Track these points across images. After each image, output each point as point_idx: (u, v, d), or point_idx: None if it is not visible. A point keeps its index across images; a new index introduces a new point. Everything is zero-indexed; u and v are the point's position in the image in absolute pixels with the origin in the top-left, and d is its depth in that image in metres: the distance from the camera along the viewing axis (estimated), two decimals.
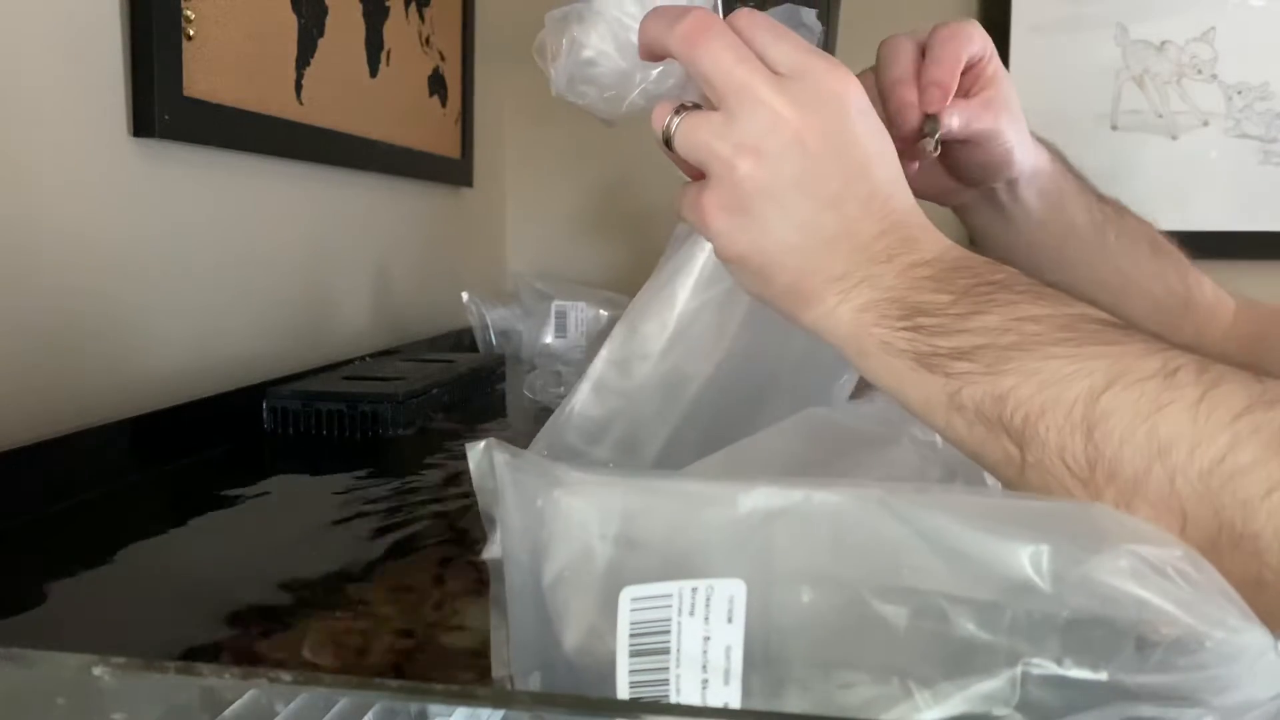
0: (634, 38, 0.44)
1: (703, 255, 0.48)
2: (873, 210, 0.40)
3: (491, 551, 0.49)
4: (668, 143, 0.43)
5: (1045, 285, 0.37)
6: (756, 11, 0.42)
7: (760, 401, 0.52)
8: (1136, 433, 0.31)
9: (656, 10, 0.43)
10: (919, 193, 0.63)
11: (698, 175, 0.43)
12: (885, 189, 0.41)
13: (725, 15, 0.43)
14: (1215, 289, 0.66)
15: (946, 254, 0.40)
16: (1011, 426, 0.34)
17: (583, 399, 0.49)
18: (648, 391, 0.49)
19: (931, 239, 0.41)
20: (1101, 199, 0.63)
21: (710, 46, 0.41)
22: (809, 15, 0.52)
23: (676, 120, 0.42)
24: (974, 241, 0.65)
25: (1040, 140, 0.61)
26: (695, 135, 0.41)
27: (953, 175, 0.60)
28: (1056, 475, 0.33)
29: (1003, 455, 0.35)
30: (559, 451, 0.48)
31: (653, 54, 0.44)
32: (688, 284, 0.49)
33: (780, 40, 0.41)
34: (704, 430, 0.50)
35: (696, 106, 0.42)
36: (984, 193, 0.61)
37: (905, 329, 0.38)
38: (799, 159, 0.40)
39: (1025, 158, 0.59)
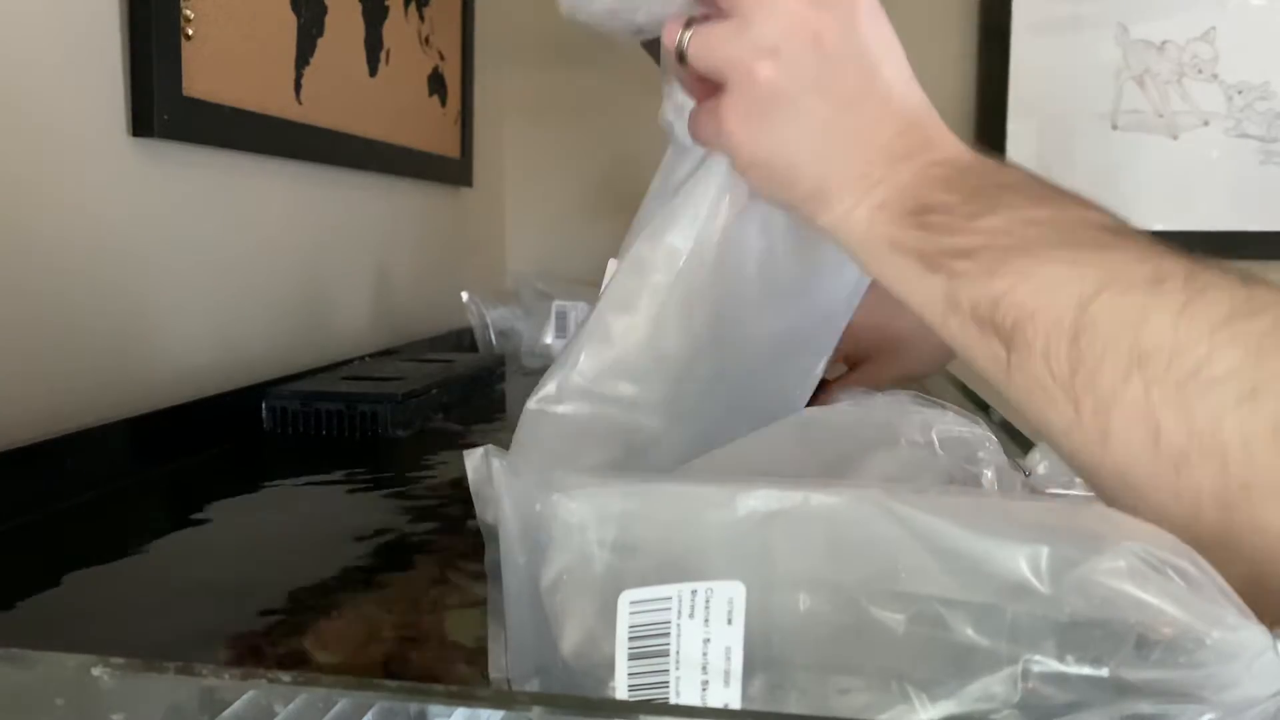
0: None
1: (719, 174, 0.47)
2: (891, 109, 0.41)
3: (491, 560, 0.49)
4: (680, 58, 0.43)
5: (1052, 187, 0.38)
6: None
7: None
8: (1120, 342, 0.32)
9: None
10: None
11: (704, 97, 0.44)
12: (900, 88, 0.41)
13: None
14: None
15: (961, 156, 0.40)
16: (1002, 328, 0.35)
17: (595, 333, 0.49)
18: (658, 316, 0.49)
19: (947, 140, 0.41)
20: None
21: None
22: None
23: (688, 34, 0.42)
24: None
25: None
26: (710, 44, 0.41)
27: None
28: (1039, 379, 0.34)
29: (991, 356, 0.35)
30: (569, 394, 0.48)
31: None
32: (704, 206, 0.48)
33: None
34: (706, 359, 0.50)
35: (706, 19, 0.42)
36: None
37: (914, 227, 0.38)
38: (817, 59, 0.40)
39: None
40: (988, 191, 0.38)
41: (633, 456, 0.49)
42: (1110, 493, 0.34)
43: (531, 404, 0.48)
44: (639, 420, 0.49)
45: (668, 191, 0.50)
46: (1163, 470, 0.31)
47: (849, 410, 0.47)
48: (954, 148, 0.41)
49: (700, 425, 0.50)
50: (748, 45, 0.40)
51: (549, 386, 0.48)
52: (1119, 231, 0.35)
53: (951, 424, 0.45)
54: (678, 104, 0.51)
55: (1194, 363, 0.30)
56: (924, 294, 0.38)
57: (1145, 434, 0.31)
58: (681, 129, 0.50)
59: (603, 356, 0.49)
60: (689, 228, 0.47)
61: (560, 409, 0.48)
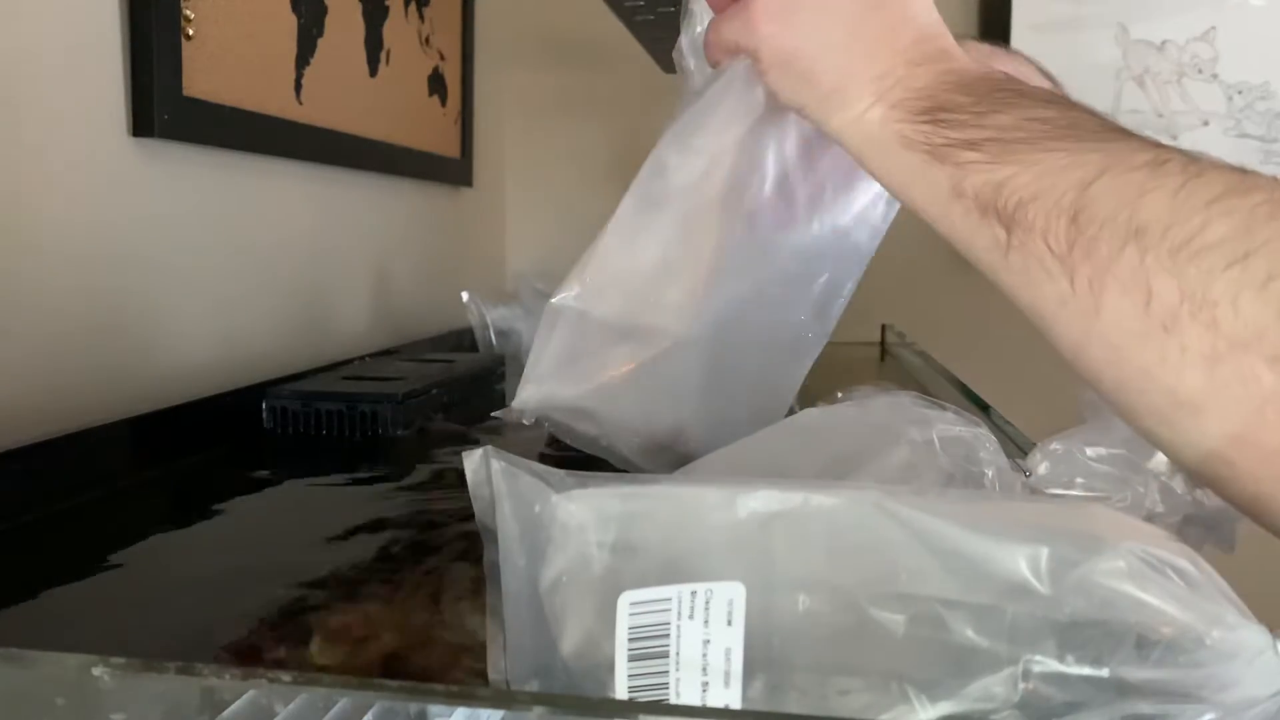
0: None
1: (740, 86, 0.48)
2: (911, 19, 0.43)
3: (490, 561, 0.49)
4: None
5: (1062, 96, 0.40)
6: None
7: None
8: (1118, 216, 0.33)
9: None
10: None
11: (724, 7, 0.46)
12: (921, 3, 0.44)
13: None
14: None
15: (973, 68, 0.42)
16: (1004, 212, 0.36)
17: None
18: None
19: (961, 55, 0.43)
20: None
21: None
22: None
23: None
24: None
25: None
26: None
27: None
28: (1037, 255, 0.35)
29: (990, 239, 0.37)
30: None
31: None
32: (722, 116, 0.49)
33: None
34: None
35: None
36: None
37: (925, 122, 0.40)
38: None
39: None
40: (997, 95, 0.40)
41: (657, 361, 0.49)
42: (1096, 366, 0.35)
43: (554, 300, 0.48)
44: (662, 321, 0.49)
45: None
46: (1152, 332, 0.32)
47: (849, 411, 0.47)
48: (967, 61, 0.43)
49: (724, 333, 0.50)
50: None
51: (572, 284, 0.48)
52: (1121, 130, 0.37)
53: (952, 424, 0.45)
54: (694, 37, 0.52)
55: (1188, 232, 0.32)
56: (929, 186, 0.40)
57: (1138, 299, 0.32)
58: (697, 66, 0.51)
59: (626, 255, 0.49)
60: (710, 134, 0.48)
61: (583, 306, 0.49)
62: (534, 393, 0.52)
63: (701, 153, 0.49)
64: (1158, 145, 0.35)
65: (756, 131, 0.49)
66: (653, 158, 0.50)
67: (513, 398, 0.54)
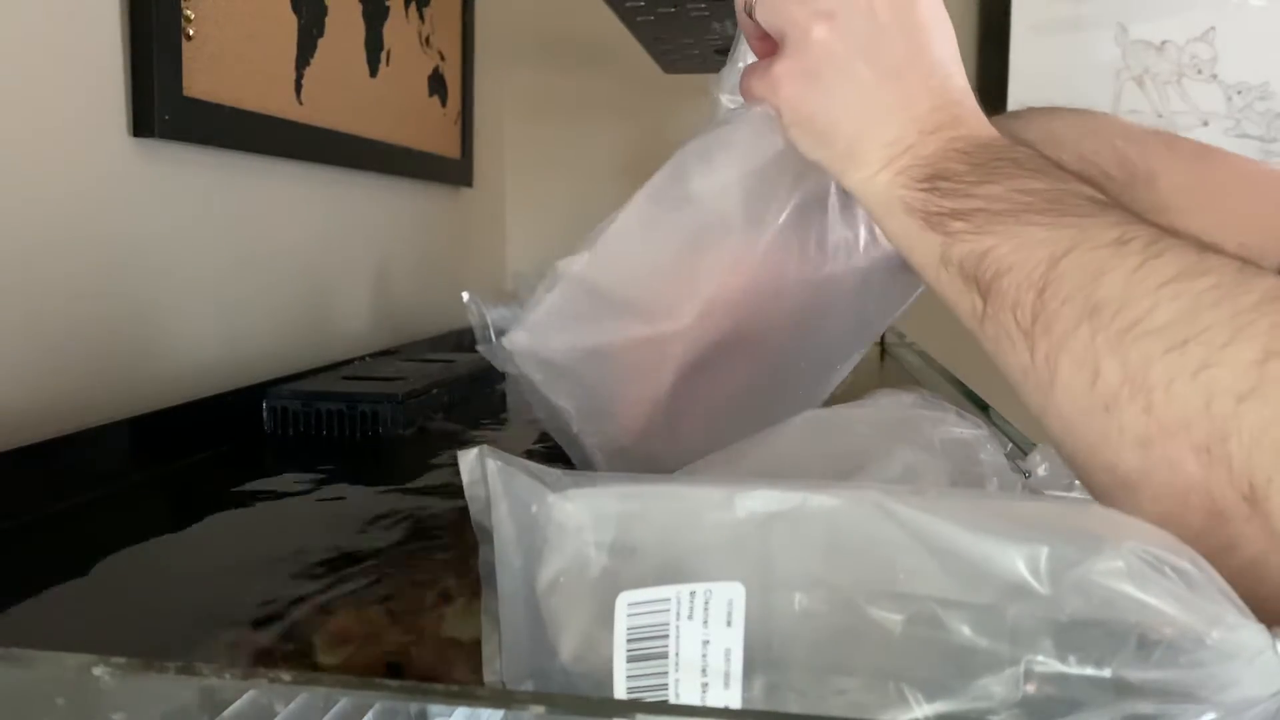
0: None
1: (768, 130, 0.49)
2: (931, 86, 0.44)
3: (486, 561, 0.49)
4: (749, 13, 0.48)
5: (1056, 165, 0.41)
6: None
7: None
8: (1078, 294, 0.34)
9: None
10: None
11: (766, 54, 0.48)
12: (944, 67, 0.45)
13: None
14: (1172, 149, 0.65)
15: (981, 135, 0.43)
16: (982, 281, 0.38)
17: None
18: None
19: (977, 122, 0.44)
20: None
21: None
22: None
23: None
24: None
25: None
26: (775, 2, 0.46)
27: None
28: (1005, 328, 0.37)
29: (970, 307, 0.39)
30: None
31: None
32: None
33: None
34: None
35: None
36: None
37: (923, 190, 0.41)
38: (868, 26, 0.44)
39: None
40: (994, 164, 0.41)
41: (646, 347, 0.49)
42: (1054, 437, 0.36)
43: (560, 262, 0.49)
44: (660, 312, 0.50)
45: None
46: (1095, 411, 0.33)
47: (851, 412, 0.47)
48: (981, 129, 0.44)
49: (717, 359, 0.50)
50: (808, 6, 0.44)
51: (581, 252, 0.49)
52: (1103, 204, 0.38)
53: (953, 426, 0.45)
54: (735, 71, 0.52)
55: (1137, 314, 0.33)
56: (923, 250, 0.41)
57: (1086, 377, 0.33)
58: (729, 100, 0.52)
59: (636, 241, 0.50)
60: (732, 153, 0.49)
61: (588, 273, 0.49)
62: (525, 339, 0.53)
63: (722, 169, 0.50)
64: (1131, 221, 0.36)
65: (778, 167, 0.49)
66: (674, 162, 0.51)
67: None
